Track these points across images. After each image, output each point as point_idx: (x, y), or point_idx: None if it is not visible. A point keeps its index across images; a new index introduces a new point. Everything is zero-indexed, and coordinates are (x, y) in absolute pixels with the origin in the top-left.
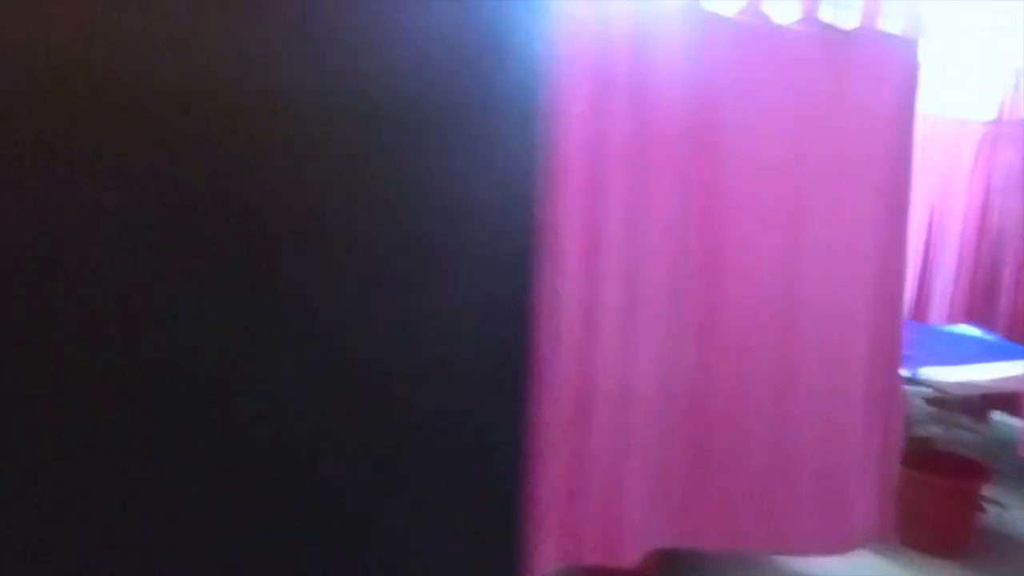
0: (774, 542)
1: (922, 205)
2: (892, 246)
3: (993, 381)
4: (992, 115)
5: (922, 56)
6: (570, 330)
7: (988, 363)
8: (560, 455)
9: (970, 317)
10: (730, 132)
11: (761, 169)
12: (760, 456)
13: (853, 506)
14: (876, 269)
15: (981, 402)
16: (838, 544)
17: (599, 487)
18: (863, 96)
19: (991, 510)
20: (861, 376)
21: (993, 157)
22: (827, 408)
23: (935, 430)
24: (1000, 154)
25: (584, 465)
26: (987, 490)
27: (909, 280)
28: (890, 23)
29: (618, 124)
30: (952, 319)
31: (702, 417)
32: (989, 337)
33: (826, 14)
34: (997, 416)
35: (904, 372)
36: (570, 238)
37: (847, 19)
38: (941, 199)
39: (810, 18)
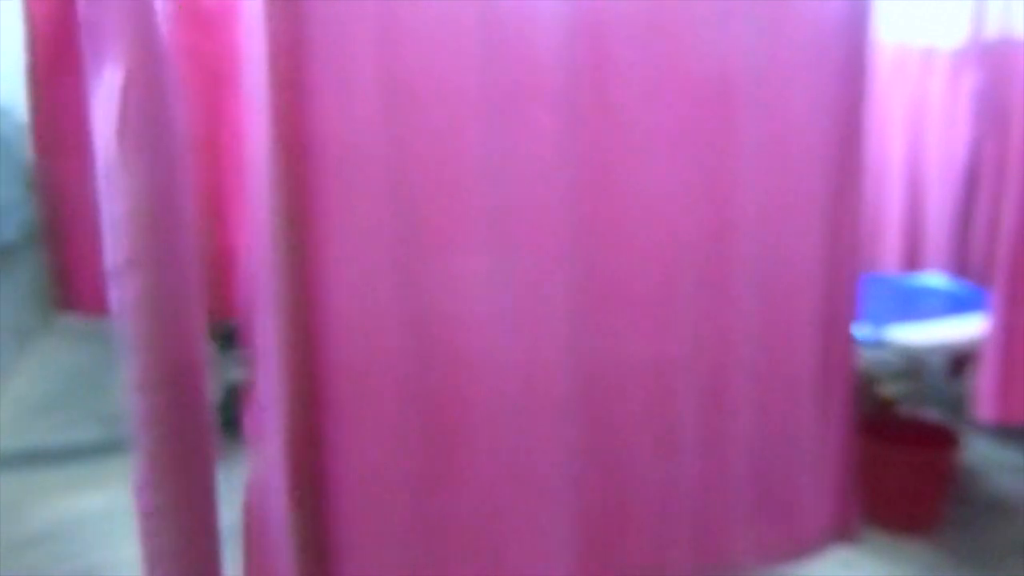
0: (712, 560)
1: (889, 142)
2: (845, 188)
3: (964, 340)
4: (959, 42)
5: None
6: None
7: (960, 316)
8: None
9: (942, 264)
10: (628, 46)
11: (673, 93)
12: (688, 459)
13: (807, 507)
14: (826, 217)
15: (957, 357)
16: (790, 553)
17: (466, 525)
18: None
19: (965, 480)
20: (811, 350)
21: (963, 88)
22: (770, 393)
23: (899, 388)
24: (969, 84)
25: (443, 496)
26: (958, 457)
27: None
28: None
29: (469, 42)
30: (922, 267)
31: (610, 415)
32: (956, 287)
33: None
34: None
35: (867, 333)
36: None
37: None
38: (910, 136)
39: None
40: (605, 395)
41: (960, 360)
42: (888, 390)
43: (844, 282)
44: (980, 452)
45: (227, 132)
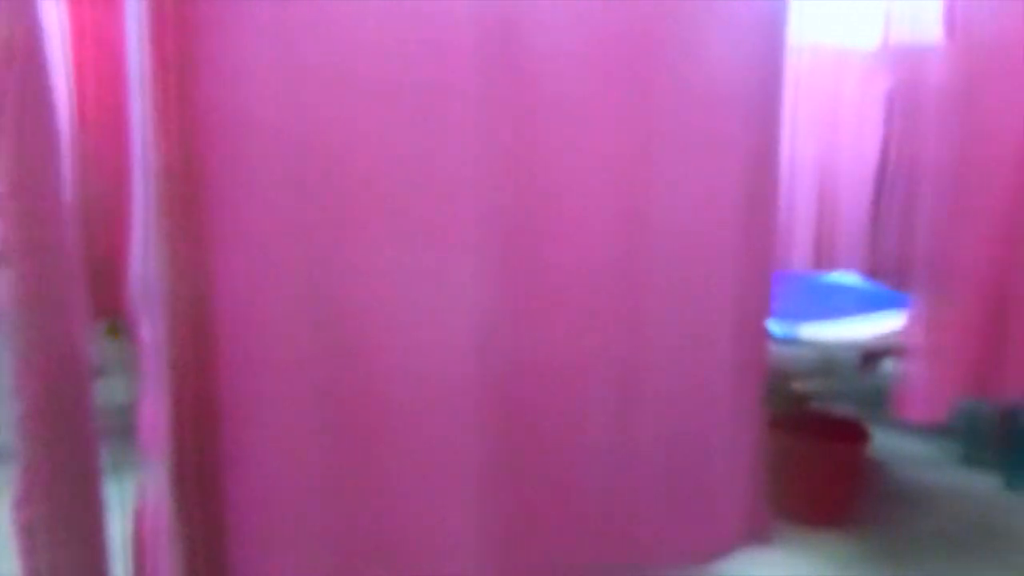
0: (624, 560)
1: (803, 142)
2: (760, 186)
3: (877, 337)
4: (874, 43)
5: None
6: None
7: (872, 314)
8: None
9: (852, 263)
10: (544, 40)
11: (589, 86)
12: (601, 458)
13: (720, 506)
14: (741, 215)
15: (867, 353)
16: (703, 553)
17: (374, 528)
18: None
19: (876, 473)
20: (725, 348)
21: (875, 89)
22: (684, 391)
23: (813, 384)
24: (882, 85)
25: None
26: (869, 450)
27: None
28: None
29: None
30: (844, 265)
31: (524, 412)
32: (868, 286)
33: None
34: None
35: (781, 330)
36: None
37: None
38: (825, 136)
39: None
40: (519, 392)
41: (869, 356)
42: (801, 386)
43: (758, 279)
44: (888, 445)
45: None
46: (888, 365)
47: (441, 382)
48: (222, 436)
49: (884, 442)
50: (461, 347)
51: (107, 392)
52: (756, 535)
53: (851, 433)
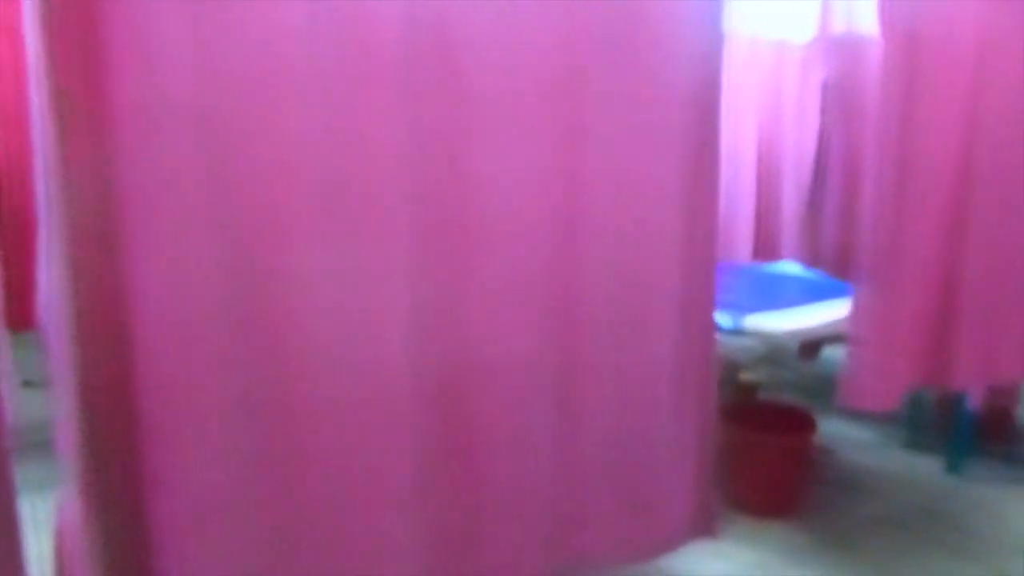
0: (569, 558)
1: (743, 133)
2: (701, 177)
3: (823, 326)
4: (810, 35)
5: None
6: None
7: (815, 304)
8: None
9: (793, 253)
10: (475, 31)
11: (522, 79)
12: (543, 455)
13: (666, 502)
14: (683, 206)
15: (807, 342)
16: (650, 549)
17: (307, 537)
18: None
19: (822, 461)
20: (668, 341)
21: (813, 80)
22: (627, 386)
23: (760, 374)
24: (819, 76)
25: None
26: (816, 439)
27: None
28: None
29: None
30: (784, 256)
31: (460, 411)
32: (810, 275)
33: None
34: (828, 351)
35: (727, 322)
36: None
37: None
38: (764, 127)
39: None
40: (454, 391)
41: (810, 345)
42: (748, 376)
43: (702, 272)
44: (832, 431)
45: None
46: (829, 353)
47: (370, 382)
48: (140, 447)
49: (827, 428)
50: (391, 346)
51: (36, 405)
52: (704, 529)
53: (799, 422)
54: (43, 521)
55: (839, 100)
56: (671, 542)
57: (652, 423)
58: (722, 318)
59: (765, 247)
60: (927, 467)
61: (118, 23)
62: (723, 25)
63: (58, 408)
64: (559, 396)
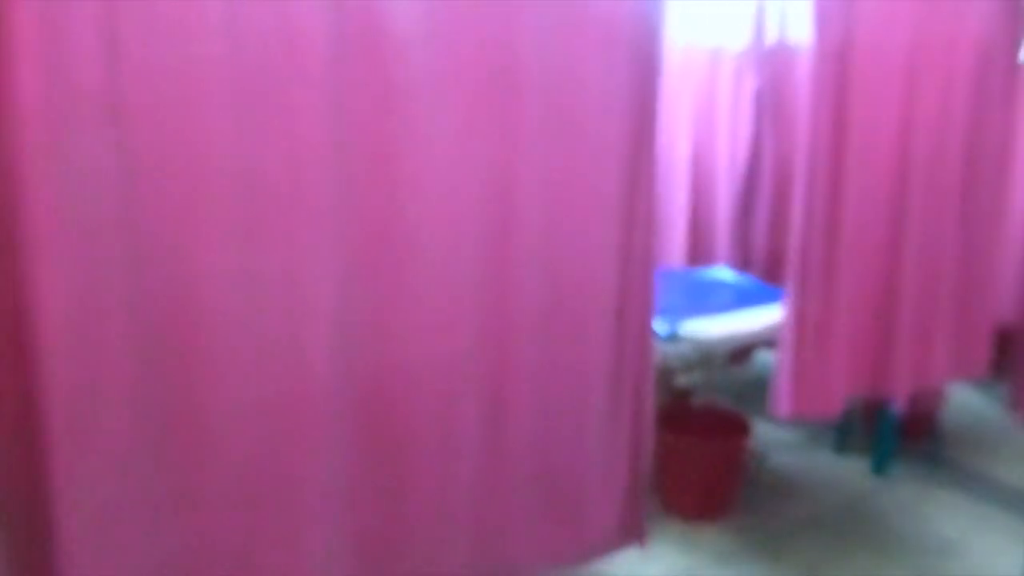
0: (495, 563)
1: (679, 142)
2: (638, 182)
3: (757, 331)
4: (744, 43)
5: None
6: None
7: (748, 309)
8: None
9: (730, 259)
10: (405, 34)
11: (454, 83)
12: (469, 460)
13: (593, 508)
14: (620, 212)
15: (741, 347)
16: (576, 555)
17: (220, 549)
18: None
19: (754, 463)
20: (602, 347)
21: (746, 88)
22: (558, 391)
23: (694, 378)
24: (752, 84)
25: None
26: (748, 443)
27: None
28: None
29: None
30: (716, 261)
31: (384, 417)
32: (743, 280)
33: None
34: (762, 356)
35: (662, 328)
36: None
37: None
38: (698, 134)
39: None
40: (379, 395)
41: (741, 351)
42: (683, 381)
43: (639, 278)
44: (762, 434)
45: None
46: (763, 357)
47: (289, 388)
48: (43, 457)
49: (758, 431)
50: (312, 350)
51: None
52: (633, 535)
53: (733, 426)
54: None
55: (771, 108)
56: (600, 548)
57: (583, 430)
58: (657, 324)
59: (698, 253)
60: (854, 468)
61: (23, 15)
62: (663, 31)
63: None
64: (487, 402)
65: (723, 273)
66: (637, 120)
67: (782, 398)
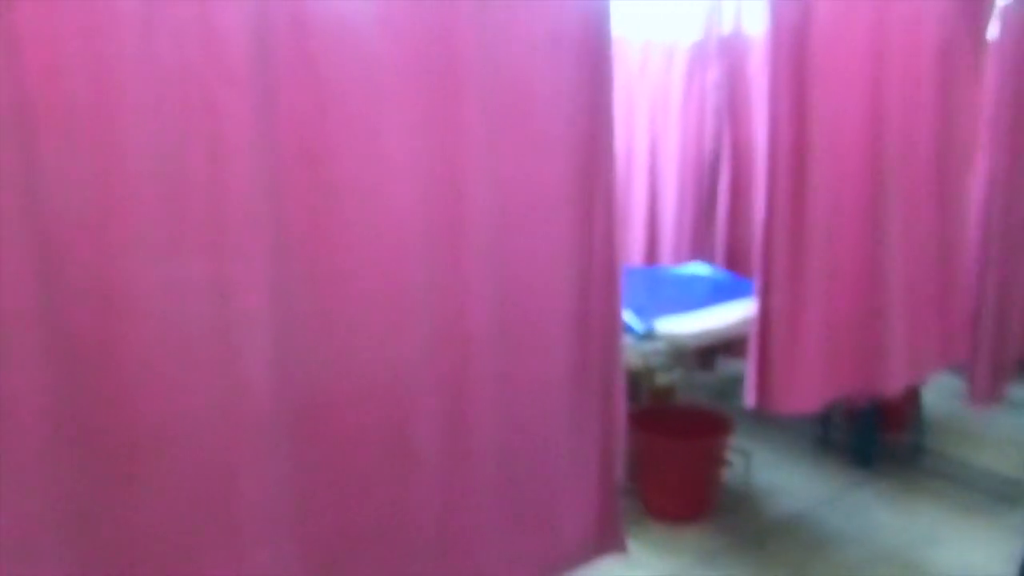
0: (457, 574)
1: (640, 138)
2: (594, 178)
3: (730, 327)
4: (696, 35)
5: None
6: None
7: (724, 304)
8: None
9: (695, 255)
10: (338, 37)
11: (392, 81)
12: (429, 473)
13: (566, 517)
14: (576, 211)
15: (707, 350)
16: (550, 566)
17: None
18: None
19: (736, 463)
20: (565, 350)
21: (701, 80)
22: (520, 397)
23: (674, 377)
24: (707, 76)
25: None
26: (729, 441)
27: (633, 221)
28: None
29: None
30: (678, 258)
31: (333, 431)
32: (720, 276)
33: None
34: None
35: (639, 326)
36: None
37: None
38: (659, 130)
39: None
40: (323, 410)
41: (712, 349)
42: (664, 380)
43: (602, 278)
44: (740, 430)
45: None
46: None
47: (222, 408)
48: None
49: (740, 428)
50: (246, 363)
51: None
52: (610, 543)
53: (714, 425)
54: None
55: (729, 100)
56: (576, 557)
57: (549, 436)
58: (634, 322)
59: (663, 248)
60: (836, 462)
61: None
62: (610, 24)
63: None
64: (446, 410)
65: (699, 269)
66: (589, 115)
67: (756, 393)
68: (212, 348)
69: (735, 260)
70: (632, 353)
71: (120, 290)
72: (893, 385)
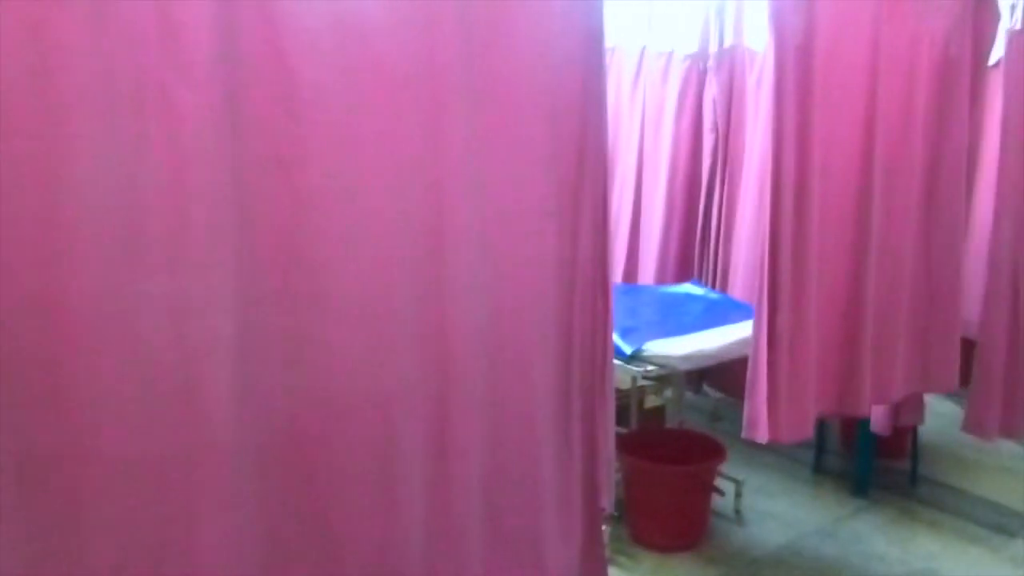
0: None
1: (628, 149)
2: (583, 194)
3: (723, 349)
4: (694, 47)
5: None
6: None
7: (713, 327)
8: None
9: (681, 275)
10: (306, 25)
11: (370, 90)
12: (411, 503)
13: (549, 546)
14: (562, 225)
15: (695, 375)
16: None
17: None
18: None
19: (727, 489)
20: (552, 374)
21: (697, 93)
22: (503, 422)
23: (665, 397)
24: (703, 89)
25: None
26: (721, 466)
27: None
28: None
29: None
30: (662, 278)
31: (308, 461)
32: (713, 296)
33: None
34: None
35: (626, 348)
36: None
37: None
38: (649, 142)
39: None
40: (295, 440)
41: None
42: (654, 401)
43: (587, 295)
44: (738, 454)
45: None
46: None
47: (182, 439)
48: None
49: (733, 452)
50: (209, 392)
51: None
52: (592, 573)
53: (706, 450)
54: None
55: (726, 115)
56: None
57: (533, 461)
58: (622, 344)
59: (655, 268)
60: (831, 489)
61: None
62: (603, 33)
63: None
64: (430, 438)
65: (691, 288)
66: (579, 125)
67: (758, 423)
68: (170, 375)
69: (728, 280)
70: (621, 373)
71: (64, 309)
72: (864, 406)
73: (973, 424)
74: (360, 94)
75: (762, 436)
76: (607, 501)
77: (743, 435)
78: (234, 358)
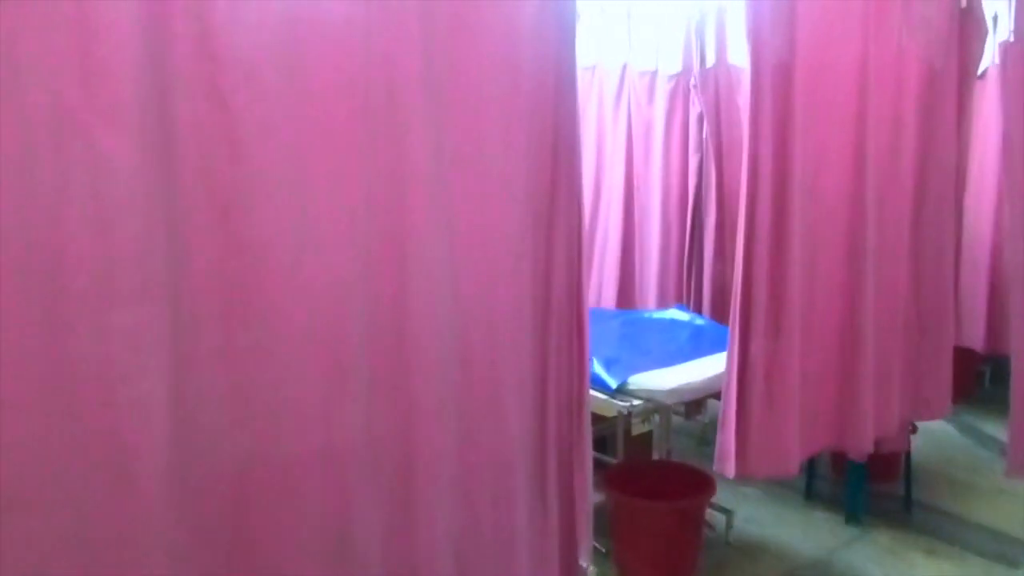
0: None
1: (614, 171)
2: (556, 223)
3: (706, 382)
4: (677, 66)
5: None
6: None
7: (703, 357)
8: None
9: (677, 298)
10: (247, 50)
11: (324, 115)
12: (372, 565)
13: None
14: (534, 261)
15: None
16: None
17: None
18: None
19: (717, 521)
20: (522, 418)
21: (684, 112)
22: (473, 475)
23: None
24: (690, 108)
25: None
26: (710, 500)
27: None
28: None
29: None
30: (662, 303)
31: (255, 526)
32: (700, 323)
33: None
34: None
35: (610, 382)
36: None
37: None
38: (638, 163)
39: None
40: (240, 512)
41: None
42: (640, 429)
43: (561, 332)
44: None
45: None
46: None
47: (112, 510)
48: None
49: (723, 483)
50: (140, 460)
51: None
52: None
53: (694, 483)
54: None
55: (715, 134)
56: None
57: (505, 515)
58: (605, 377)
59: (654, 293)
60: (824, 518)
61: None
62: (574, 55)
63: None
64: (393, 494)
65: (677, 314)
66: (551, 156)
67: (727, 457)
68: (95, 446)
69: (720, 306)
70: (606, 406)
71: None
72: (861, 442)
73: (1018, 466)
74: (309, 129)
75: (729, 471)
76: (585, 557)
77: (714, 468)
78: (167, 425)
